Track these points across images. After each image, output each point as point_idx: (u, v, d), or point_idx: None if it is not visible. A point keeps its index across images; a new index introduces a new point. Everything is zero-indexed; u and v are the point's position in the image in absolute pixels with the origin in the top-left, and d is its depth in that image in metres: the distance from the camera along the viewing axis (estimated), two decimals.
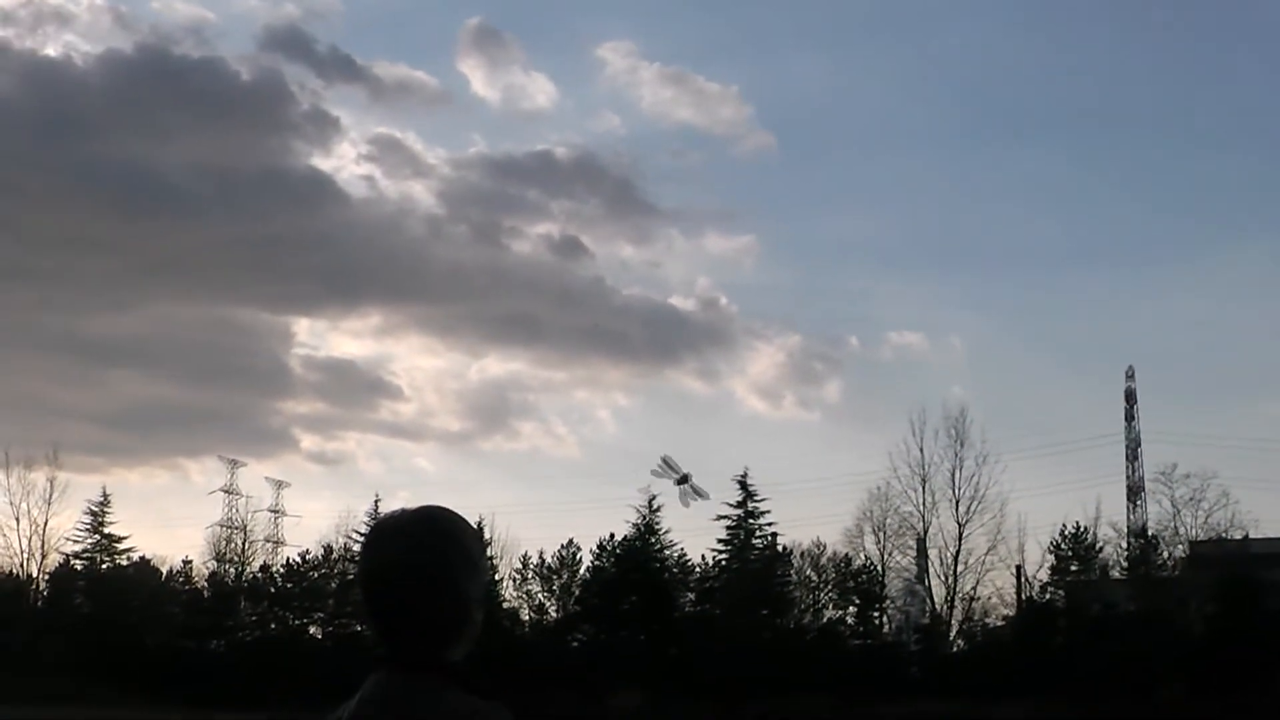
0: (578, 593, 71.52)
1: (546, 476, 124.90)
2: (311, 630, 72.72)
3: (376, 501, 74.08)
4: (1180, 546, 69.34)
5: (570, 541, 75.26)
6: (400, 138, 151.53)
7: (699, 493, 70.28)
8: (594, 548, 72.95)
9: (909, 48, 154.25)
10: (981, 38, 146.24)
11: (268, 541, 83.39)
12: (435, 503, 3.34)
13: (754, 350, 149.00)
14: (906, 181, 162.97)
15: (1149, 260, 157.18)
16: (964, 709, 57.29)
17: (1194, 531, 68.50)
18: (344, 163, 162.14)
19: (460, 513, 3.33)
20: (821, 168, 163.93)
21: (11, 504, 79.37)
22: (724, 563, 72.29)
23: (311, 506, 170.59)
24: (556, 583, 73.16)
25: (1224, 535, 67.07)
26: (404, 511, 3.30)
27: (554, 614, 72.35)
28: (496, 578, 70.24)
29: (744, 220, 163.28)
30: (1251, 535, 67.59)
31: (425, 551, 3.19)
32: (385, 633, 3.21)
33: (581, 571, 73.14)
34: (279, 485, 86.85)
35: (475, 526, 3.42)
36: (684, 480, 70.20)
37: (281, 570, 78.00)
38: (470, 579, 3.24)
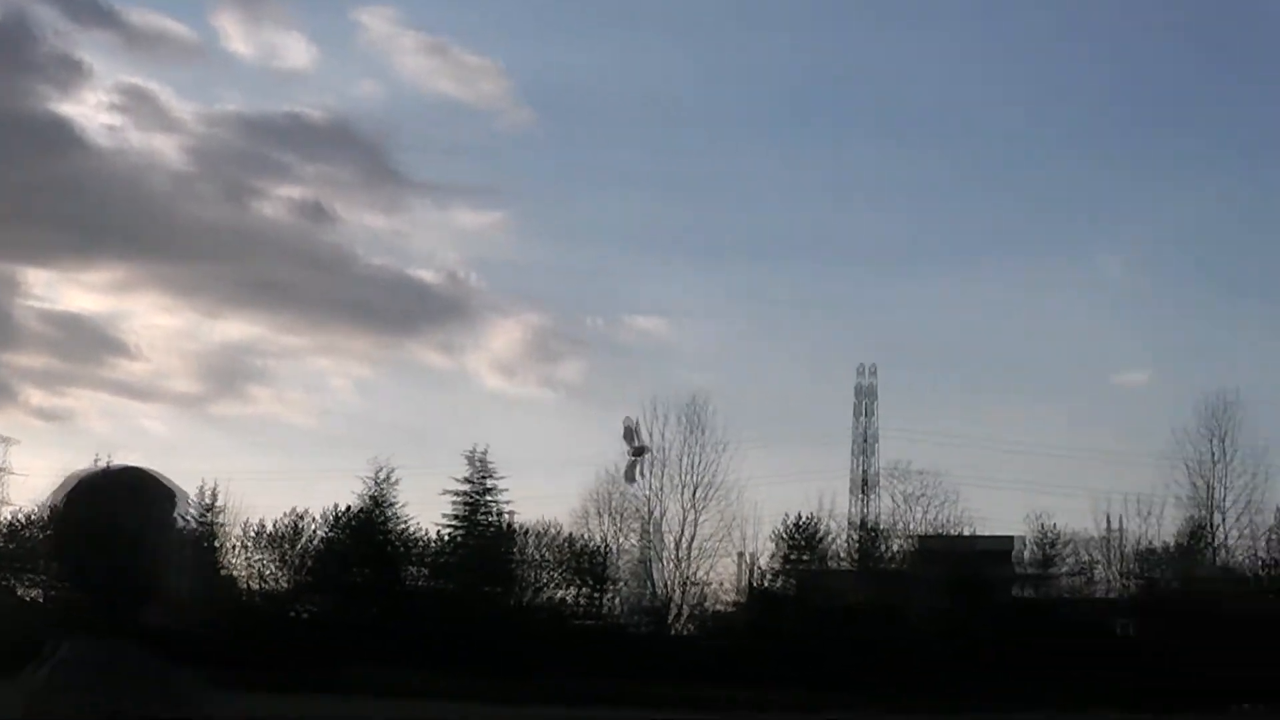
0: (309, 563, 74.52)
1: (282, 444, 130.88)
2: (32, 593, 74.72)
3: (95, 462, 76.26)
4: (907, 541, 79.98)
5: (302, 511, 77.36)
6: (150, 88, 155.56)
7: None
8: (327, 518, 75.84)
9: (677, 31, 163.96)
10: (756, 24, 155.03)
11: None
12: (140, 464, 3.60)
13: (497, 326, 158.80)
14: (664, 167, 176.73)
15: (894, 258, 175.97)
16: (692, 692, 63.07)
17: (921, 527, 79.61)
18: (90, 110, 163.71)
19: (159, 474, 3.59)
20: (581, 148, 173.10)
21: None
22: (456, 538, 76.69)
23: (38, 464, 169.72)
24: (288, 552, 75.12)
25: (950, 531, 78.42)
26: (97, 471, 3.59)
27: (284, 584, 74.77)
28: (222, 545, 72.95)
29: (498, 196, 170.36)
30: (978, 533, 79.15)
31: (115, 512, 3.44)
32: (80, 593, 3.52)
33: (314, 542, 75.62)
34: (4, 442, 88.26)
35: (173, 488, 3.61)
36: (641, 452, 78.46)
37: (4, 530, 78.04)
38: (163, 541, 3.47)
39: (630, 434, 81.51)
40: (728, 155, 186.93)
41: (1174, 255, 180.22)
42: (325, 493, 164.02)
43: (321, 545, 75.53)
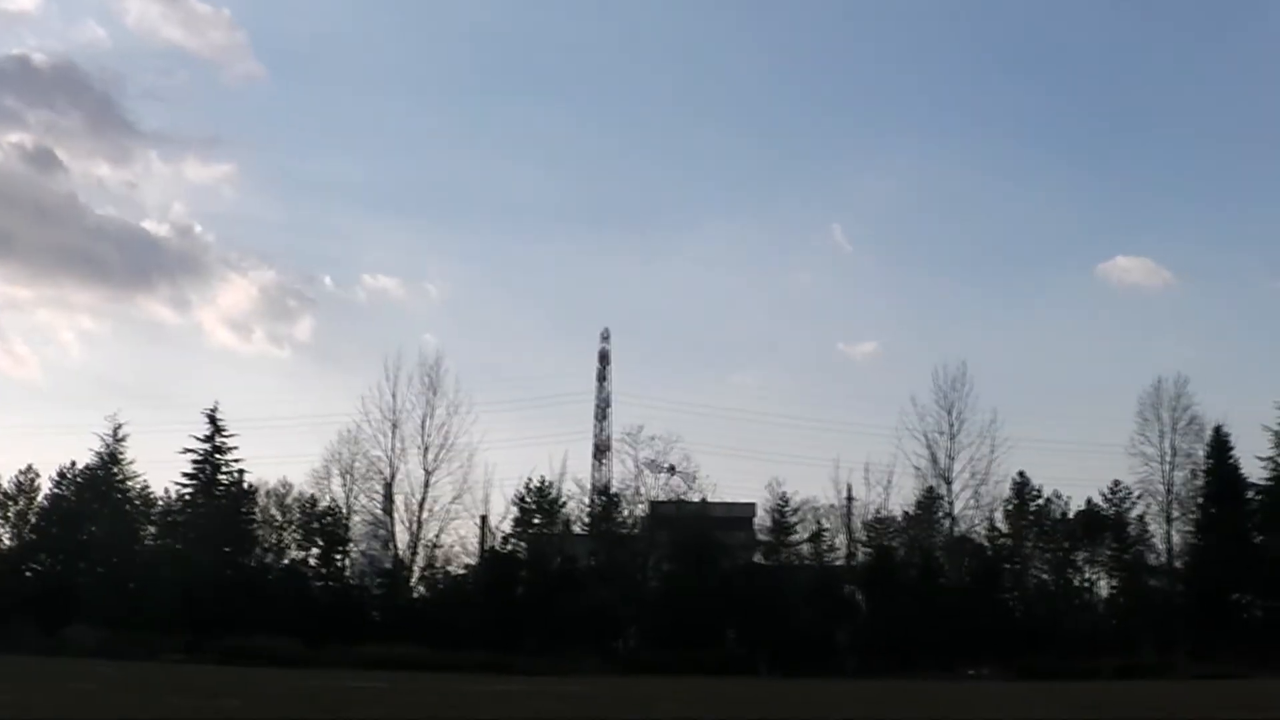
0: (35, 521, 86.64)
1: (6, 399, 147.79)
2: None
3: None
4: (641, 506, 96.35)
5: (29, 467, 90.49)
6: None
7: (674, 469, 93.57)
8: (54, 475, 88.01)
9: None
10: None
11: None
12: None
13: (228, 282, 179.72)
14: (400, 127, 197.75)
15: (636, 225, 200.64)
16: (427, 654, 76.53)
17: (655, 492, 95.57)
18: None
19: None
20: (312, 104, 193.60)
21: None
22: (189, 497, 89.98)
23: None
24: (12, 510, 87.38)
25: (684, 498, 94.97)
26: None
27: (9, 542, 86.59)
28: None
29: (227, 148, 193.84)
30: (709, 499, 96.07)
31: None
32: None
33: (40, 499, 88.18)
34: None
35: None
36: (671, 470, 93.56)
37: None
38: None
39: (655, 464, 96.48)
40: (464, 116, 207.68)
41: (899, 228, 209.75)
42: (52, 450, 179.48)
43: (46, 503, 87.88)
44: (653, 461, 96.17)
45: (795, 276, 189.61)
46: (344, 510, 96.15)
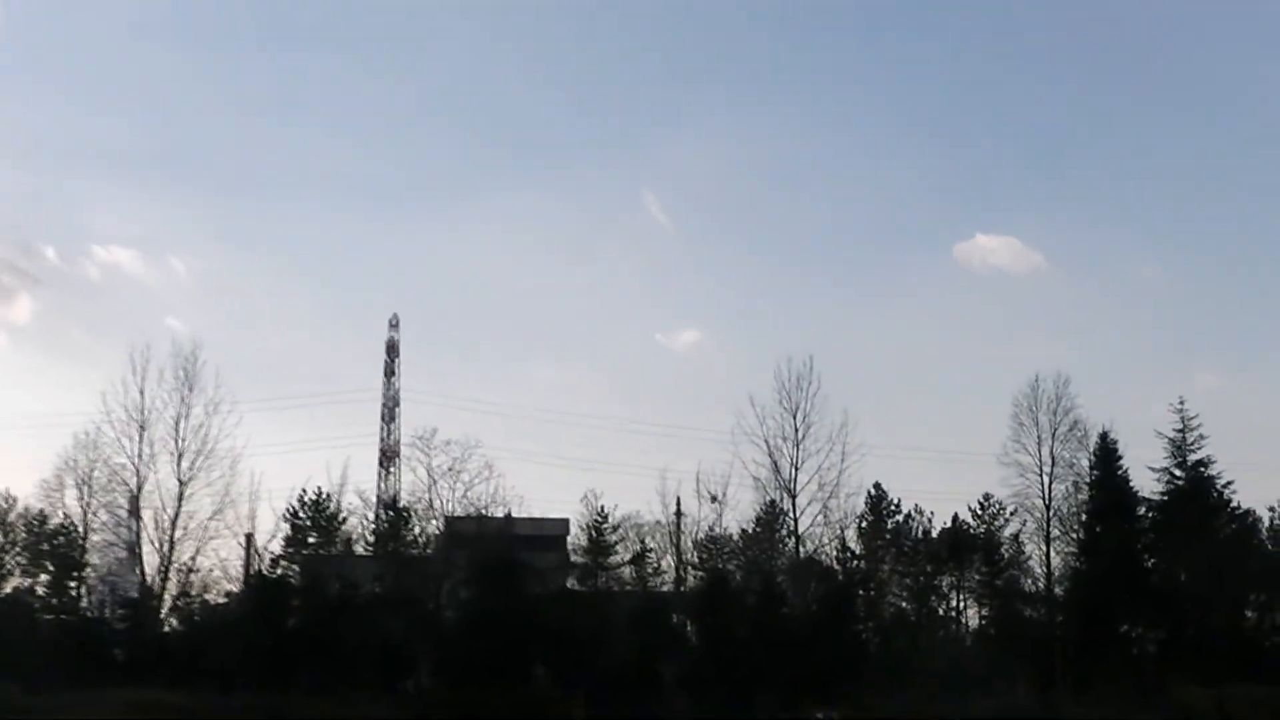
0: None
1: None
2: None
3: None
4: (435, 521, 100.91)
5: None
6: None
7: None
8: None
9: None
10: None
11: None
12: None
13: None
14: (140, 76, 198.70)
15: (427, 197, 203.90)
16: (181, 700, 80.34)
17: (451, 505, 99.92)
18: None
19: None
20: (37, 56, 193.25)
21: None
22: None
23: None
24: None
25: (485, 511, 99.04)
26: None
27: None
28: None
29: None
30: (515, 514, 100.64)
31: None
32: None
33: None
34: None
35: None
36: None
37: None
38: None
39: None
40: (225, 67, 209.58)
41: (725, 201, 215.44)
42: None
43: None
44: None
45: (605, 255, 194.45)
46: (80, 528, 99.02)
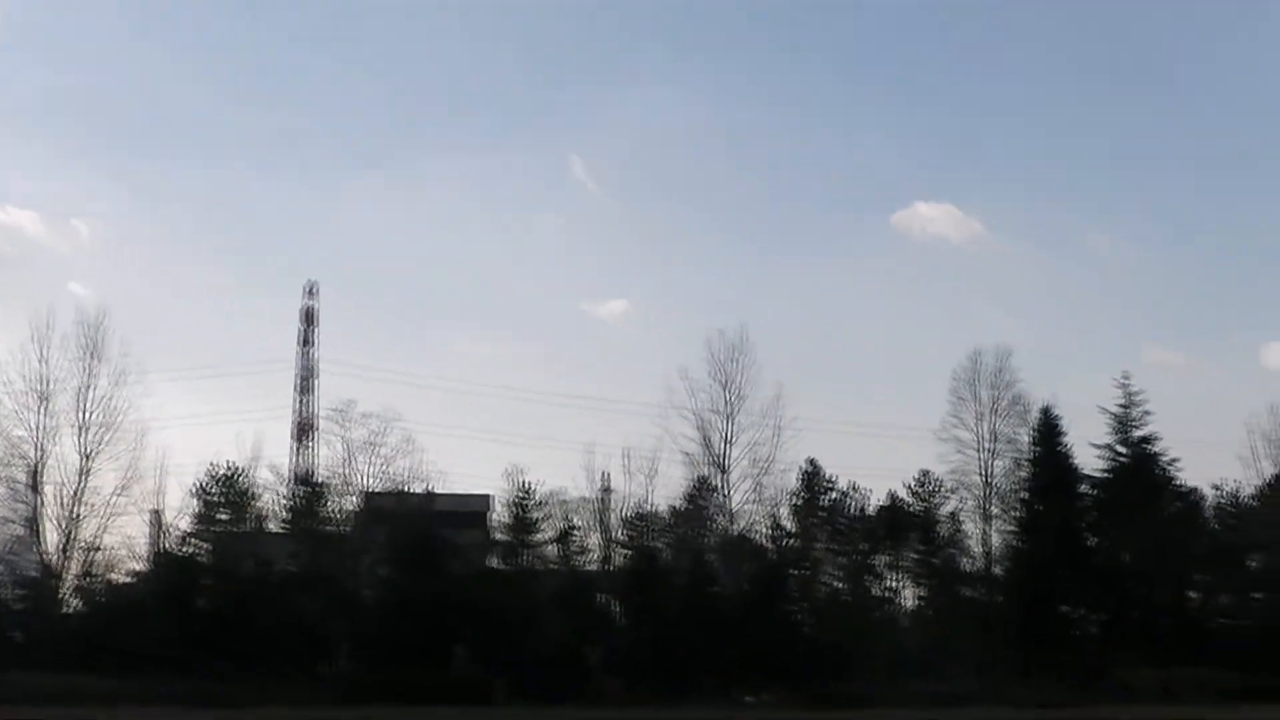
0: None
1: None
2: None
3: None
4: (353, 497, 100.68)
5: None
6: None
7: None
8: None
9: None
10: None
11: None
12: None
13: None
14: (51, 34, 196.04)
15: (347, 158, 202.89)
16: (85, 684, 79.83)
17: (370, 481, 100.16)
18: None
19: None
20: None
21: None
22: None
23: None
24: None
25: (405, 487, 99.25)
26: None
27: None
28: None
29: None
30: (436, 490, 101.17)
31: None
32: None
33: None
34: None
35: None
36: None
37: None
38: None
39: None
40: (132, 14, 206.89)
41: (655, 166, 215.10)
42: None
43: None
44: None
45: (531, 222, 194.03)
46: None
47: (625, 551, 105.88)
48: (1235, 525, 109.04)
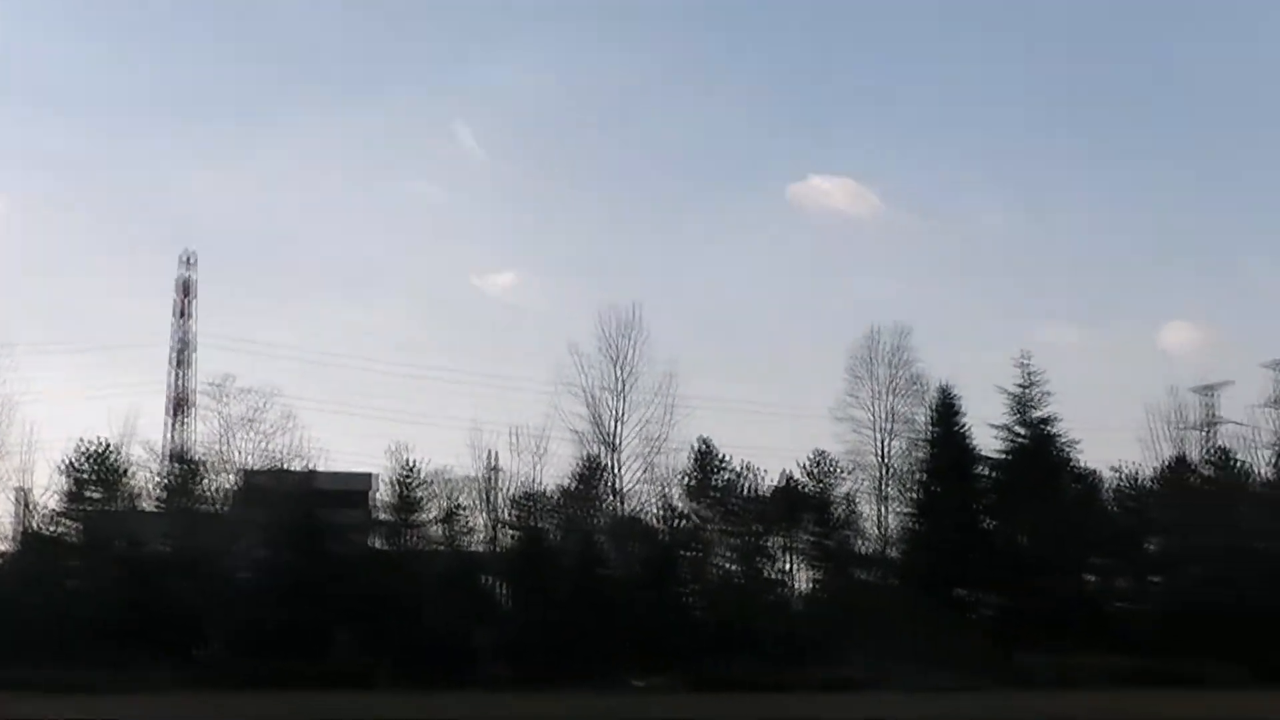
0: None
1: None
2: None
3: None
4: (230, 475, 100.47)
5: None
6: None
7: None
8: None
9: None
10: None
11: None
12: None
13: None
14: None
15: (220, 119, 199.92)
16: None
17: (248, 458, 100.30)
18: None
19: None
20: None
21: None
22: None
23: None
24: None
25: (284, 465, 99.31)
26: None
27: None
28: None
29: None
30: (317, 468, 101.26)
31: None
32: None
33: None
34: None
35: None
36: None
37: None
38: None
39: None
40: None
41: (544, 132, 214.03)
42: None
43: None
44: None
45: (415, 190, 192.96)
46: None
47: (513, 532, 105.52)
48: (1134, 508, 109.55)
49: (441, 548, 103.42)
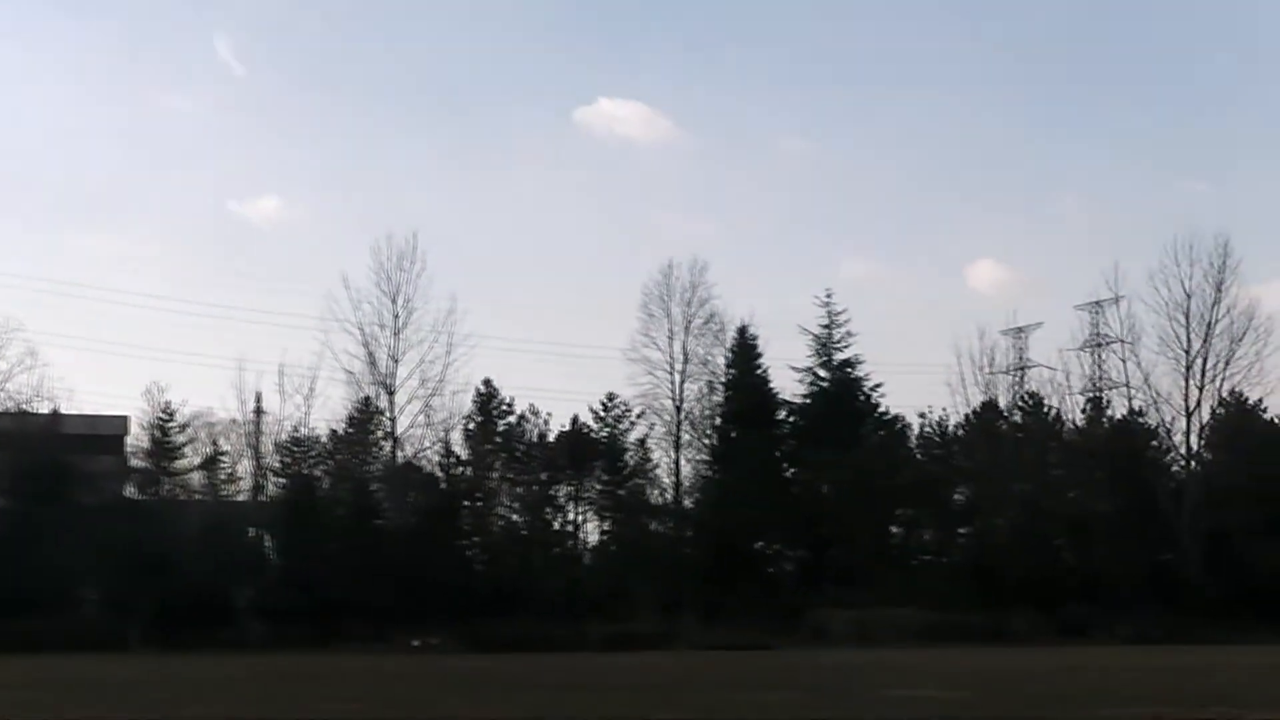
0: None
1: None
2: None
3: None
4: None
5: None
6: None
7: None
8: None
9: None
10: None
11: None
12: None
13: None
14: None
15: None
16: None
17: None
18: None
19: None
20: None
21: None
22: None
23: None
24: None
25: (27, 407, 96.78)
26: None
27: None
28: None
29: None
30: (63, 410, 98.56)
31: None
32: None
33: None
34: None
35: None
36: None
37: None
38: None
39: None
40: None
41: (309, 47, 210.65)
42: None
43: None
44: None
45: (169, 107, 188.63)
46: None
47: (280, 480, 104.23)
48: (941, 456, 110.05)
49: (201, 497, 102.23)
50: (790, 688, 42.30)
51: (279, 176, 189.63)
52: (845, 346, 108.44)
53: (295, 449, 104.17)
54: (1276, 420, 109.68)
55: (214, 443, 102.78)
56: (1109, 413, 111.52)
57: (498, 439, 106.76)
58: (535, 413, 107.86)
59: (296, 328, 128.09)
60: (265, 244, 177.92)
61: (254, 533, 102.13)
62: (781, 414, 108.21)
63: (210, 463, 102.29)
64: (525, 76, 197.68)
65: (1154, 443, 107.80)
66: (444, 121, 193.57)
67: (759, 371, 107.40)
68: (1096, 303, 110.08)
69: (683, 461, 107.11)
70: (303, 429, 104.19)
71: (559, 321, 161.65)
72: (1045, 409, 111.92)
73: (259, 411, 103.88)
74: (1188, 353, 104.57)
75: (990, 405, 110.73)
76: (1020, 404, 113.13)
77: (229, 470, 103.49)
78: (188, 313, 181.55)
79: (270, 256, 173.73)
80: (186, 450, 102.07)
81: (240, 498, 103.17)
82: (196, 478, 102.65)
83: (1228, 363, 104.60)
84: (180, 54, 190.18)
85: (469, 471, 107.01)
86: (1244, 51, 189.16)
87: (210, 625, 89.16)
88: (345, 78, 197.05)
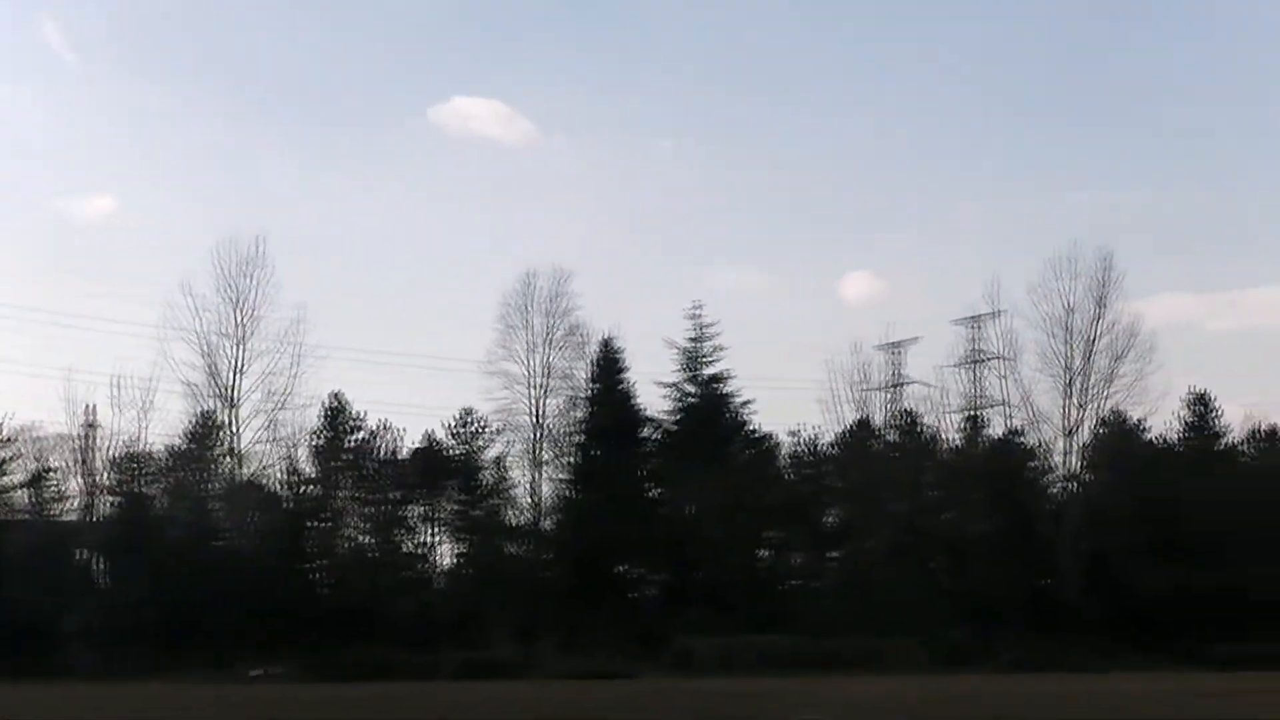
0: None
1: None
2: None
3: None
4: None
5: None
6: None
7: None
8: None
9: None
10: None
11: None
12: None
13: None
14: None
15: None
16: None
17: None
18: None
19: None
20: None
21: None
22: None
23: None
24: None
25: None
26: None
27: None
28: None
29: None
30: None
31: None
32: None
33: None
34: None
35: None
36: None
37: None
38: None
39: None
40: None
41: (146, 37, 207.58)
42: None
43: None
44: None
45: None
46: None
47: (112, 499, 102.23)
48: (812, 476, 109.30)
49: (27, 517, 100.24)
50: None
51: (114, 174, 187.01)
52: (714, 361, 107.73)
53: (129, 465, 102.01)
54: (1158, 440, 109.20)
55: (40, 458, 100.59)
56: (987, 432, 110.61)
57: (346, 456, 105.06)
58: (387, 428, 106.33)
59: (133, 336, 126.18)
60: (99, 246, 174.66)
61: (84, 554, 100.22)
62: (646, 431, 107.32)
63: (36, 480, 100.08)
64: (378, 72, 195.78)
65: (1033, 463, 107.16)
66: (293, 119, 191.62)
67: (623, 387, 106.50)
68: (975, 318, 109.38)
69: (542, 480, 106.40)
70: (138, 444, 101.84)
71: (413, 332, 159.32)
72: (921, 428, 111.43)
73: (90, 425, 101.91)
74: (1068, 370, 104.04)
75: (864, 423, 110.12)
76: (895, 422, 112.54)
77: (57, 488, 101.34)
78: (12, 318, 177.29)
79: (104, 260, 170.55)
80: (10, 466, 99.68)
81: (69, 517, 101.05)
82: (21, 496, 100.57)
83: (1109, 381, 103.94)
84: (3, 38, 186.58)
85: (316, 490, 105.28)
86: (1133, 61, 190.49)
87: (36, 653, 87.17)
88: (187, 69, 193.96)
